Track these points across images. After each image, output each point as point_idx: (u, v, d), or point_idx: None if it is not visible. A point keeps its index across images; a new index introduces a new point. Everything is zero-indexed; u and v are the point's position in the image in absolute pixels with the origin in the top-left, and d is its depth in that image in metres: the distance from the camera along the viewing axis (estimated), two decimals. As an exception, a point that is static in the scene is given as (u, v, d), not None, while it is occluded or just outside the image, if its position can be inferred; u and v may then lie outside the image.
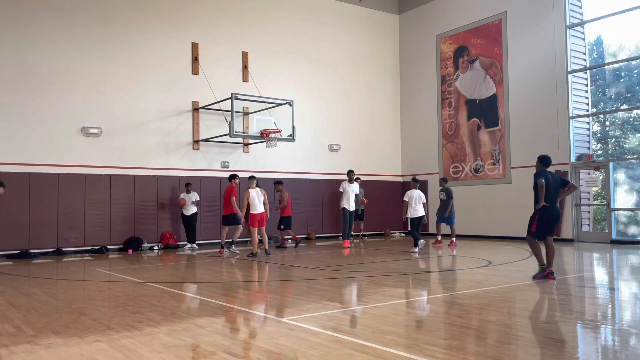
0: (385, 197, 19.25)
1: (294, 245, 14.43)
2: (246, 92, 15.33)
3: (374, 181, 18.96)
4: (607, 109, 16.11)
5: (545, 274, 7.75)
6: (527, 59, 16.22)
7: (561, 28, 15.42)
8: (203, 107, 15.44)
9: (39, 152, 13.31)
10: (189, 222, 14.34)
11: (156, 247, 14.38)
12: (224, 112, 15.10)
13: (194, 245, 14.26)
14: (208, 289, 7.69)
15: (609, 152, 15.85)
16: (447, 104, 18.60)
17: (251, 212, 11.86)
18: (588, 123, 15.74)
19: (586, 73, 15.69)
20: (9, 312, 6.00)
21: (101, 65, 14.25)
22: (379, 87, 19.70)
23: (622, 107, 15.77)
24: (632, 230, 14.95)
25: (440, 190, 14.62)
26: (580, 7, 15.65)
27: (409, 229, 13.11)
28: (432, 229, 17.48)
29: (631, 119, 15.64)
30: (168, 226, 14.85)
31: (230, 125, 13.67)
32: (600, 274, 9.19)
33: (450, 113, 18.51)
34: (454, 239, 14.45)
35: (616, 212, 14.68)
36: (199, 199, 14.57)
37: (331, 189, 17.65)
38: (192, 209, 14.32)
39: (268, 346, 4.41)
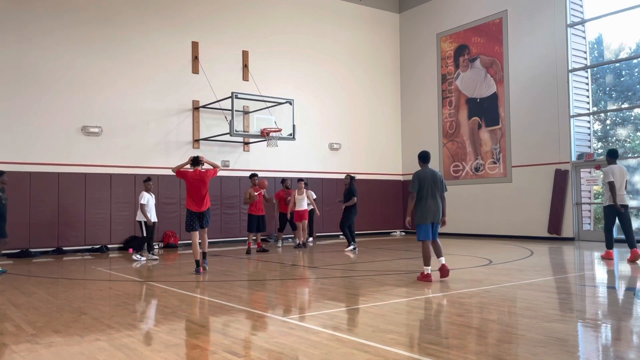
0: (385, 196, 19.24)
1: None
2: (246, 91, 15.31)
3: (374, 180, 18.95)
4: (607, 108, 16.09)
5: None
6: (528, 57, 16.20)
7: (562, 26, 15.40)
8: (203, 106, 15.43)
9: (39, 151, 13.31)
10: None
11: (157, 246, 14.38)
12: (224, 111, 15.09)
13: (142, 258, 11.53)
14: (208, 287, 7.69)
15: (610, 150, 15.81)
16: (448, 103, 18.59)
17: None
18: (589, 122, 15.72)
19: (587, 71, 15.66)
20: (10, 311, 6.00)
21: (101, 64, 14.25)
22: (379, 85, 19.68)
23: (623, 106, 15.75)
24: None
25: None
26: (581, 6, 15.63)
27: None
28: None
29: (632, 118, 15.62)
30: (169, 225, 14.83)
31: (231, 124, 13.67)
32: (600, 273, 9.18)
33: (450, 112, 18.49)
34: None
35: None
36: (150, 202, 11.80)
37: (331, 188, 17.64)
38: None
39: (268, 345, 4.40)
